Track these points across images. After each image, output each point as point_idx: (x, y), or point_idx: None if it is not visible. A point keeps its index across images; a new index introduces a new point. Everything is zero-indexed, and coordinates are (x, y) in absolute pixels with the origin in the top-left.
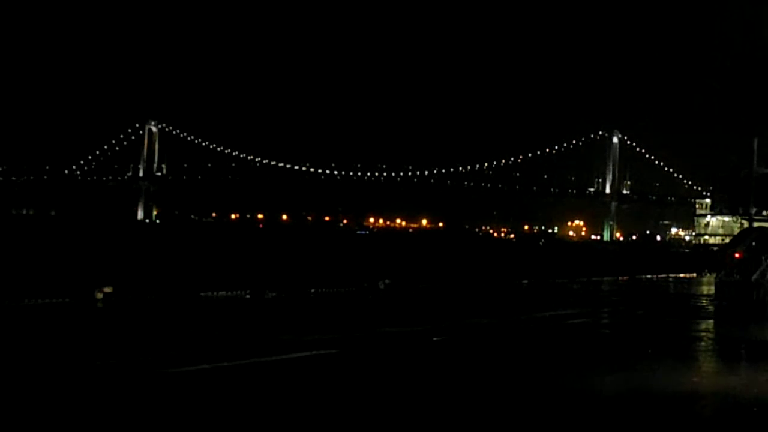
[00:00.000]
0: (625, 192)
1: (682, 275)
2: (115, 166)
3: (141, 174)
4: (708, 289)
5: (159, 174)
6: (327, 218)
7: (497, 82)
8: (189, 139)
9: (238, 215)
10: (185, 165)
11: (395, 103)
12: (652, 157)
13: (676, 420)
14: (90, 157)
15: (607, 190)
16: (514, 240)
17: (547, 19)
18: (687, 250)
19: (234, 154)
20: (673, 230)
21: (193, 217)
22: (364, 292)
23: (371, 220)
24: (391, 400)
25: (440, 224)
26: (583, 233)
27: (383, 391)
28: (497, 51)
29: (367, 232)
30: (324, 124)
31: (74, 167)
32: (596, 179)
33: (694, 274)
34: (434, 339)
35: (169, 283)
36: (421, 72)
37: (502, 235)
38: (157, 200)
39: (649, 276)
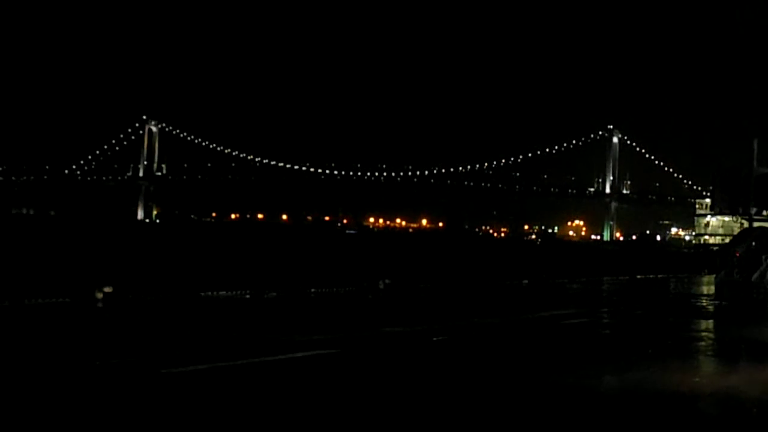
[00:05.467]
0: (625, 192)
1: (682, 275)
2: (115, 166)
3: (141, 174)
4: (708, 289)
5: (159, 174)
6: (327, 218)
7: (497, 82)
8: (189, 139)
9: (238, 215)
10: (185, 165)
11: (395, 103)
12: (652, 157)
13: (676, 420)
14: (90, 157)
15: (607, 190)
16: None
17: (547, 19)
18: (686, 250)
19: (234, 154)
20: (673, 230)
21: (192, 217)
22: (364, 292)
23: (371, 219)
24: (393, 401)
25: (440, 224)
26: (583, 233)
27: (384, 391)
28: (497, 51)
29: (356, 231)
30: (324, 124)
31: (74, 167)
32: (596, 179)
33: (694, 274)
34: (434, 339)
35: (169, 283)
36: (421, 72)
37: (500, 235)
38: (157, 200)
39: (649, 276)
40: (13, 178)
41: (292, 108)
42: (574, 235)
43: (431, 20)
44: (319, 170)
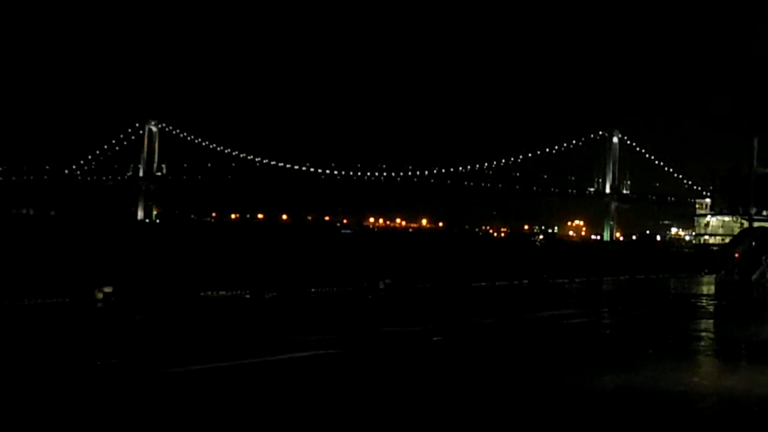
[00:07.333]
0: (625, 192)
1: (682, 275)
2: (115, 166)
3: (141, 174)
4: (708, 289)
5: (159, 174)
6: (327, 218)
7: (497, 82)
8: (189, 139)
9: (238, 215)
10: (185, 165)
11: (395, 103)
12: (652, 157)
13: (677, 420)
14: (90, 157)
15: (607, 190)
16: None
17: (547, 19)
18: (686, 250)
19: (234, 154)
20: (673, 230)
21: (192, 216)
22: (364, 292)
23: (371, 219)
24: (393, 400)
25: (440, 224)
26: (583, 233)
27: (385, 391)
28: (497, 51)
29: (351, 231)
30: (324, 124)
31: (74, 167)
32: (596, 179)
33: (694, 274)
34: (434, 339)
35: (169, 283)
36: (421, 72)
37: (500, 235)
38: (157, 200)
39: (649, 276)
40: (14, 178)
41: (292, 108)
42: (574, 235)
43: (431, 20)
44: (319, 170)
